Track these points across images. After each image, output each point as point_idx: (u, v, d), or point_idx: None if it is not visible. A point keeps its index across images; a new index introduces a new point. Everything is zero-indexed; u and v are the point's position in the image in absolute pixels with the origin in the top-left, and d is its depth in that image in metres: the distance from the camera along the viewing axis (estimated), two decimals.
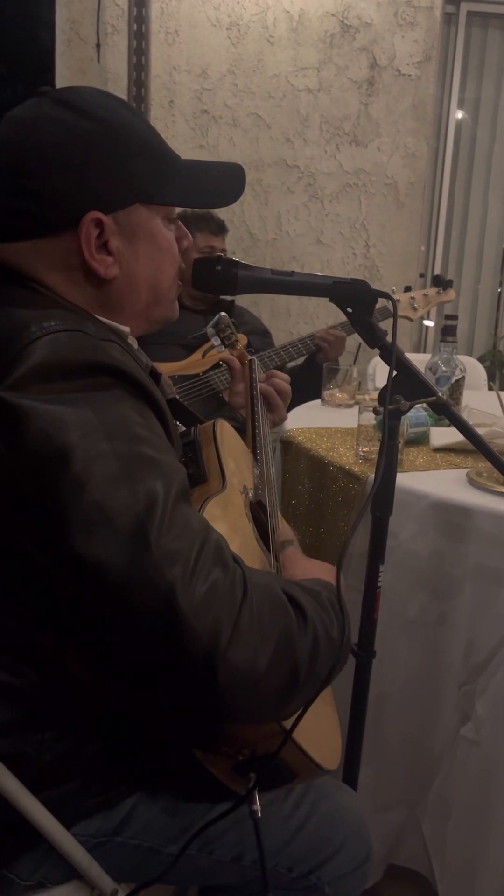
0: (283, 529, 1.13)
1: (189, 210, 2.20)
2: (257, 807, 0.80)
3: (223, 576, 0.66)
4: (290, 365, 2.25)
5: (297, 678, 0.69)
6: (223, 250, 2.33)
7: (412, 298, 2.11)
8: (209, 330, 1.32)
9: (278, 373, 1.40)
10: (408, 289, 2.15)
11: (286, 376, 1.41)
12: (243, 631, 0.65)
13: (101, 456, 0.66)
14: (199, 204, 0.94)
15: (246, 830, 0.87)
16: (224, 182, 0.91)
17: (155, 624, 0.63)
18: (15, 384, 0.67)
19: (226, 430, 1.07)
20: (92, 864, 0.85)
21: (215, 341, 1.33)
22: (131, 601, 0.63)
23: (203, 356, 2.07)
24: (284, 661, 0.68)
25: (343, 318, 1.05)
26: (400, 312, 2.07)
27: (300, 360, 2.27)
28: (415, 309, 2.11)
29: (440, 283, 2.16)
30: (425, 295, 2.13)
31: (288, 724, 0.76)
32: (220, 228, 2.34)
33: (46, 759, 0.80)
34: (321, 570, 0.95)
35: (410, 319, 2.12)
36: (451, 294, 2.18)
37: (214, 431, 1.03)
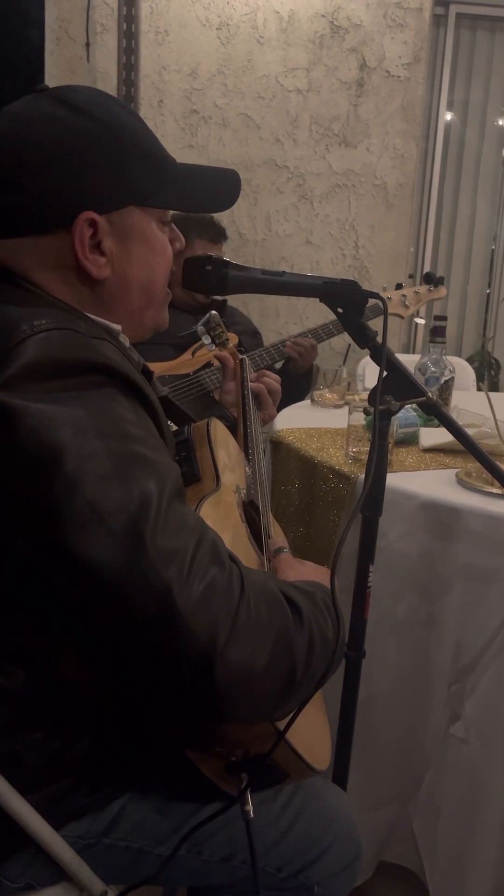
0: (275, 535, 1.13)
1: (190, 214, 2.18)
2: (249, 807, 0.80)
3: (220, 574, 0.66)
4: (277, 365, 2.25)
5: (294, 677, 0.69)
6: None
7: (403, 296, 2.11)
8: (199, 328, 1.32)
9: (269, 372, 1.40)
10: (399, 286, 2.15)
11: (276, 377, 1.41)
12: (241, 629, 0.64)
13: (94, 454, 0.66)
14: (194, 208, 0.94)
15: (236, 831, 0.87)
16: (219, 187, 0.91)
17: (152, 623, 0.63)
18: (6, 383, 0.66)
19: (219, 430, 1.07)
20: (81, 866, 0.85)
21: (205, 340, 1.33)
22: (127, 601, 0.63)
23: (193, 355, 2.06)
24: (282, 660, 0.68)
25: (331, 318, 1.05)
26: (391, 310, 2.07)
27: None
28: (406, 307, 2.11)
29: (431, 280, 2.16)
30: (416, 292, 2.13)
31: (281, 724, 0.76)
32: (219, 236, 2.30)
33: (36, 759, 0.80)
34: (315, 573, 0.95)
35: (401, 317, 2.12)
36: (443, 291, 2.18)
37: (209, 431, 1.03)
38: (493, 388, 3.64)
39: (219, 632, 0.63)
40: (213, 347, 1.34)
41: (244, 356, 1.39)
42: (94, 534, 0.64)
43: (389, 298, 2.06)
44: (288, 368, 2.19)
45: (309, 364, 2.20)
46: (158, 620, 0.63)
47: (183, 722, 0.71)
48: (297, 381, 2.17)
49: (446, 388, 1.86)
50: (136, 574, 0.63)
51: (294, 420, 1.81)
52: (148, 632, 0.63)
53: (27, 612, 0.75)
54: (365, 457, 1.45)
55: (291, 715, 0.75)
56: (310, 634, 0.72)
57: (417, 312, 2.17)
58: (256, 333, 2.44)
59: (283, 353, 2.18)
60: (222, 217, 3.22)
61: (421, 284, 2.17)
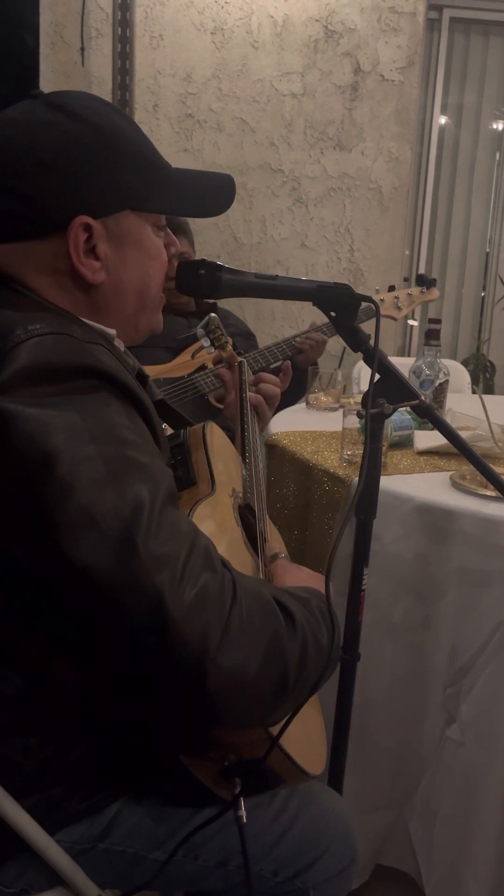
0: (272, 542, 1.13)
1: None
2: (243, 812, 0.80)
3: (212, 580, 0.66)
4: (273, 367, 2.24)
5: (286, 683, 0.69)
6: (184, 254, 2.23)
7: (396, 298, 2.11)
8: (199, 331, 1.32)
9: (267, 376, 1.39)
10: (392, 288, 2.15)
11: (275, 379, 1.40)
12: (233, 635, 0.64)
13: (88, 459, 0.66)
14: (189, 213, 0.94)
15: (231, 836, 0.87)
16: (214, 192, 0.92)
17: (144, 629, 0.63)
18: (0, 388, 0.67)
19: (215, 433, 1.07)
20: (77, 871, 0.84)
21: (205, 342, 1.32)
22: (119, 606, 0.63)
23: (192, 357, 2.06)
24: (274, 666, 0.68)
25: (325, 320, 1.05)
26: (384, 312, 2.06)
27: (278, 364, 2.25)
28: (399, 309, 2.11)
29: (424, 282, 2.16)
30: (409, 294, 2.13)
31: (274, 729, 0.76)
32: (180, 230, 2.20)
33: (31, 764, 0.80)
34: (311, 579, 0.95)
35: (394, 319, 2.12)
36: (435, 293, 2.18)
37: (204, 434, 1.03)
38: (488, 390, 3.65)
39: (210, 638, 0.63)
40: (213, 350, 1.34)
41: (242, 359, 1.39)
42: (87, 538, 0.64)
43: (382, 301, 2.06)
44: (297, 362, 2.20)
45: (316, 358, 2.20)
46: (150, 626, 0.63)
47: (174, 727, 0.71)
48: (301, 374, 2.17)
49: (441, 391, 1.87)
50: (128, 579, 0.63)
51: (289, 423, 1.81)
52: (139, 637, 0.63)
53: (21, 617, 0.75)
54: (359, 460, 1.46)
55: (285, 720, 0.75)
56: (303, 640, 0.71)
57: (412, 314, 2.17)
58: (250, 335, 2.44)
59: (278, 356, 2.18)
60: (218, 220, 3.23)
61: (414, 286, 2.17)
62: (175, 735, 0.75)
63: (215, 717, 0.66)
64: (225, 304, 2.45)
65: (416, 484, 1.42)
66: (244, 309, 3.19)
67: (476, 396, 1.72)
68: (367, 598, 1.15)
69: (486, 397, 1.62)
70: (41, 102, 0.81)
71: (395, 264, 3.43)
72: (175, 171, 0.88)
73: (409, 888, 1.49)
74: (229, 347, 1.35)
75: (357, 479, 1.38)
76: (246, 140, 3.22)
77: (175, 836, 0.87)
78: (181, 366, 2.07)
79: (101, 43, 3.03)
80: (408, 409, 1.06)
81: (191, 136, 3.19)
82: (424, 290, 2.15)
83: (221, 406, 1.50)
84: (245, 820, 0.79)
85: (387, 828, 1.48)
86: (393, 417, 1.24)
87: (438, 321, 1.88)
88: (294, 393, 2.07)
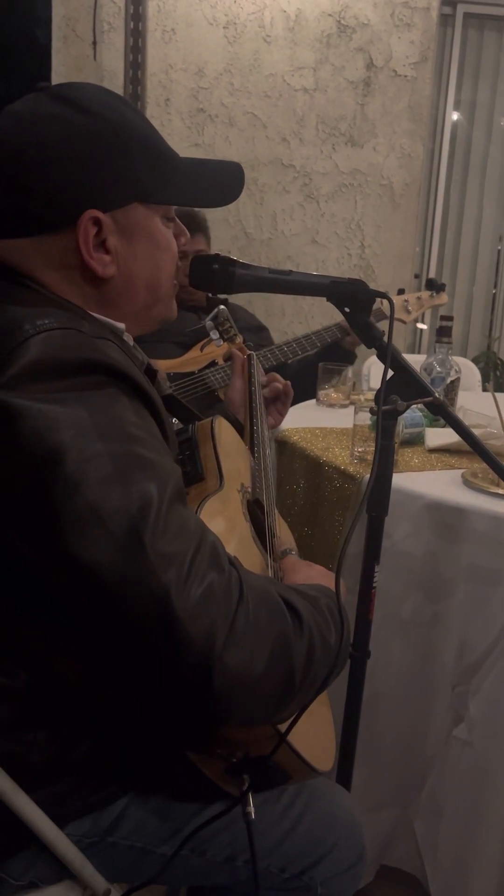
0: (283, 537, 1.12)
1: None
2: (251, 809, 0.80)
3: (219, 579, 0.65)
4: (290, 362, 2.22)
5: (293, 682, 0.69)
6: (200, 250, 2.21)
7: (406, 301, 2.11)
8: (208, 323, 1.31)
9: (277, 376, 1.39)
10: (401, 291, 2.15)
11: (286, 381, 1.39)
12: (239, 634, 0.64)
13: (95, 456, 0.65)
14: (199, 203, 0.93)
15: (238, 831, 0.87)
16: (223, 181, 0.91)
17: (149, 628, 0.63)
18: (8, 383, 0.66)
19: (224, 428, 1.06)
20: (85, 864, 0.85)
21: (213, 335, 1.31)
22: (125, 604, 0.63)
23: (201, 350, 2.05)
24: (280, 665, 0.67)
25: (337, 318, 1.05)
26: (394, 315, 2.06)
27: (312, 352, 2.23)
28: (408, 312, 2.11)
29: (433, 286, 2.17)
30: (418, 298, 2.14)
31: (282, 726, 0.76)
32: (198, 227, 2.21)
33: (37, 759, 0.80)
34: (321, 576, 0.94)
35: (403, 322, 2.12)
36: (444, 298, 2.19)
37: (213, 429, 1.02)
38: (499, 388, 3.63)
39: (216, 637, 0.62)
40: (221, 343, 1.33)
41: (252, 353, 1.38)
42: (93, 536, 0.64)
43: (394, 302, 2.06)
44: (345, 343, 2.18)
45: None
46: (156, 624, 0.62)
47: (180, 725, 0.71)
48: (348, 356, 2.16)
49: (452, 389, 1.86)
50: (134, 577, 0.63)
51: (299, 419, 1.80)
52: (145, 635, 0.63)
53: (27, 613, 0.74)
54: (370, 457, 1.45)
55: (293, 717, 0.74)
56: (309, 639, 0.71)
57: (421, 318, 2.17)
58: (262, 328, 2.43)
59: (325, 338, 2.16)
60: (229, 215, 3.23)
61: (423, 290, 2.17)
62: (181, 732, 0.75)
63: (221, 715, 0.65)
64: (234, 299, 2.44)
65: (427, 481, 1.41)
66: (254, 304, 3.18)
67: (487, 394, 1.71)
68: (377, 595, 1.14)
69: (497, 395, 1.61)
70: (47, 95, 0.80)
71: (405, 261, 3.41)
72: (183, 160, 0.87)
73: (414, 889, 1.49)
74: (238, 340, 1.34)
75: (367, 476, 1.37)
76: (257, 135, 3.21)
77: (182, 832, 0.87)
78: (191, 361, 2.07)
79: (113, 37, 3.02)
80: (419, 406, 1.05)
81: (202, 131, 3.18)
82: (434, 294, 2.16)
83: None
84: (253, 816, 0.79)
85: (392, 827, 1.48)
86: (405, 414, 1.24)
87: (450, 318, 1.87)
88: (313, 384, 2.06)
